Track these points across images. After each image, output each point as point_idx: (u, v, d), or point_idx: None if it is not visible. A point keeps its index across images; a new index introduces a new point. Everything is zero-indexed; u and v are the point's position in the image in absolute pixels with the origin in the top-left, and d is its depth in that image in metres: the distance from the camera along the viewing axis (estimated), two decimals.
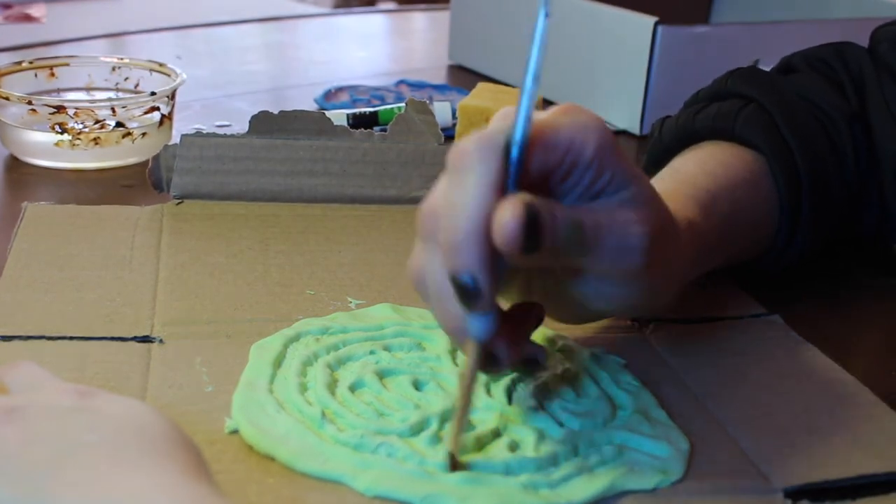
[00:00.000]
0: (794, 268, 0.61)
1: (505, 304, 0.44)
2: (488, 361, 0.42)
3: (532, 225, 0.37)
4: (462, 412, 0.41)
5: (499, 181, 0.38)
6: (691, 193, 0.53)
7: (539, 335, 0.51)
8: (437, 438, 0.42)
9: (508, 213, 0.37)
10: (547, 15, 0.38)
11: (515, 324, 0.43)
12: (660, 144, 0.64)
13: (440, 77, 1.10)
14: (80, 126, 0.73)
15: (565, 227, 0.39)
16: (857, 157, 0.61)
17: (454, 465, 0.40)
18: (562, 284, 0.44)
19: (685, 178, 0.55)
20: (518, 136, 0.39)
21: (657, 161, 0.63)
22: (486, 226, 0.38)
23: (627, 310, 0.50)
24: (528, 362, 0.44)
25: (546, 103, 0.72)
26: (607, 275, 0.43)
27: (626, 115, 0.92)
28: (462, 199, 0.39)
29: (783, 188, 0.58)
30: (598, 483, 0.41)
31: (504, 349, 0.42)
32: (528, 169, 0.40)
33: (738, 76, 0.63)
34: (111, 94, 0.82)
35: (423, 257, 0.42)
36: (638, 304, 0.47)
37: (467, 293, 0.39)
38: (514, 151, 0.39)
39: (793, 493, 0.42)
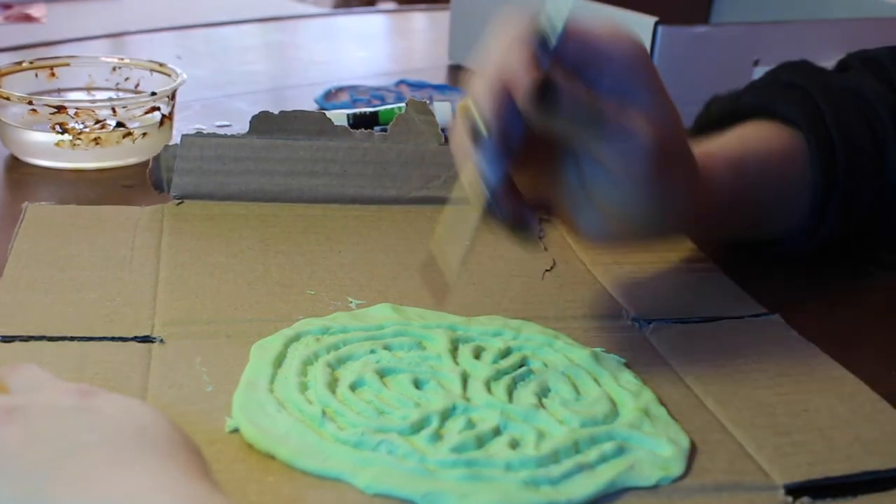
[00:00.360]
0: (823, 249, 0.62)
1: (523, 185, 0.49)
2: (518, 226, 0.48)
3: (549, 89, 0.44)
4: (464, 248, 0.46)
5: (531, 46, 0.45)
6: (718, 153, 0.57)
7: (539, 335, 0.51)
8: (437, 436, 0.42)
9: (530, 75, 0.44)
10: None
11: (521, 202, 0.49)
12: (706, 118, 0.66)
13: (440, 77, 1.10)
14: (81, 126, 0.73)
15: (584, 104, 0.45)
16: None
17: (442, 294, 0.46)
18: (572, 177, 0.49)
19: (719, 142, 0.59)
20: (558, 29, 0.45)
21: (700, 133, 0.64)
22: (508, 80, 0.45)
23: (633, 220, 0.51)
24: (520, 224, 0.48)
25: None
26: (614, 171, 0.47)
27: None
28: (496, 51, 0.46)
29: (818, 167, 0.60)
30: (599, 480, 0.41)
31: (527, 212, 0.48)
32: (562, 57, 0.46)
33: (789, 66, 0.65)
34: (111, 94, 0.82)
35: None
36: (642, 216, 0.50)
37: (476, 133, 0.45)
38: (553, 42, 0.46)
39: (794, 489, 0.42)
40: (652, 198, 0.49)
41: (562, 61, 0.46)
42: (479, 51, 0.48)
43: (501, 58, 0.46)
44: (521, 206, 0.48)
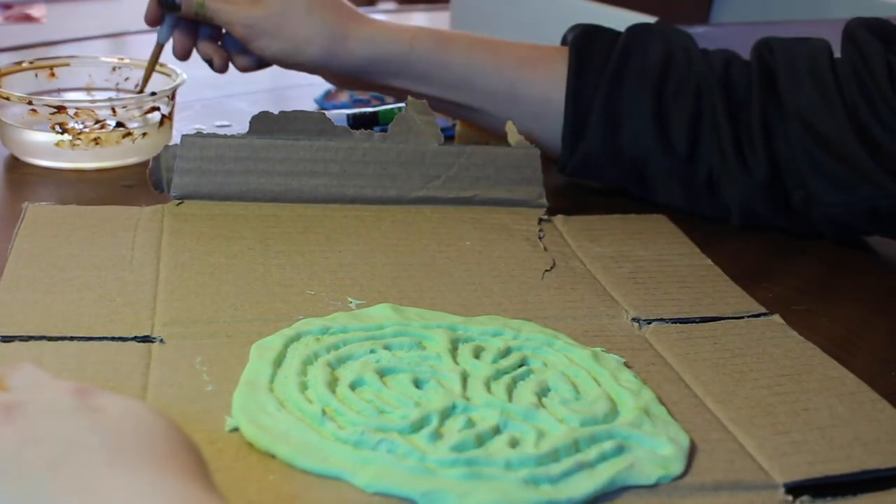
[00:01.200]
0: (586, 171, 0.71)
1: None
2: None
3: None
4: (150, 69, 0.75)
5: None
6: (441, 33, 0.73)
7: (539, 335, 0.51)
8: (437, 435, 0.42)
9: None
10: None
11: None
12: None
13: None
14: (81, 126, 0.73)
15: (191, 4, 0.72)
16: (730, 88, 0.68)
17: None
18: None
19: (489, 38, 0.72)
20: None
21: None
22: None
23: (255, 40, 0.72)
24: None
25: None
26: (223, 21, 0.73)
27: None
28: None
29: (573, 74, 0.68)
30: (598, 478, 0.41)
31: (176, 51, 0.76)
32: None
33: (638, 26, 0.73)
34: (111, 94, 0.82)
35: None
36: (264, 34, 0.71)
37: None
38: None
39: (794, 488, 0.42)
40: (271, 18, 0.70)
41: None
42: None
43: None
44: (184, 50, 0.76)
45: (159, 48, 0.77)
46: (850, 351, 0.54)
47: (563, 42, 0.74)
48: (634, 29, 0.71)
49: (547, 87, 0.70)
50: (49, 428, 0.34)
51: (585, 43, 0.70)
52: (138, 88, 0.78)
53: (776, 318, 0.56)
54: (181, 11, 0.72)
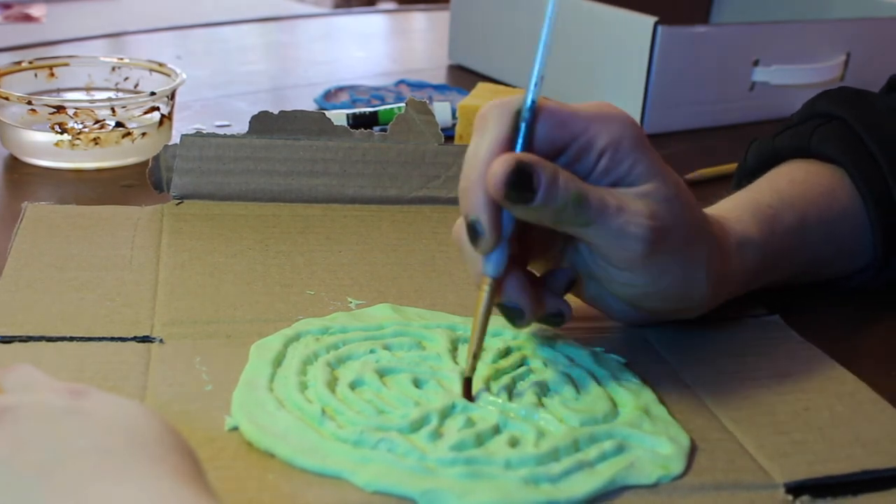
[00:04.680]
0: None
1: (539, 271, 0.50)
2: (513, 314, 0.47)
3: (522, 177, 0.43)
4: (478, 342, 0.45)
5: (507, 140, 0.44)
6: (752, 210, 0.55)
7: (539, 335, 0.51)
8: (437, 434, 0.42)
9: (497, 163, 0.43)
10: None
11: (543, 284, 0.49)
12: (744, 167, 0.64)
13: (440, 77, 1.10)
14: (80, 126, 0.73)
15: (565, 192, 0.44)
16: None
17: (468, 389, 0.45)
18: (578, 259, 0.49)
19: (749, 196, 0.57)
20: (527, 104, 0.44)
21: (740, 183, 0.62)
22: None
23: (650, 303, 0.50)
24: (552, 316, 0.49)
25: None
26: (610, 256, 0.47)
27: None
28: (474, 153, 0.44)
29: (869, 198, 0.57)
30: (598, 478, 0.41)
31: (527, 303, 0.47)
32: (534, 138, 0.44)
33: (826, 95, 0.62)
34: (111, 94, 0.82)
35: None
36: (659, 299, 0.49)
37: (473, 234, 0.44)
38: (525, 116, 0.44)
39: (794, 488, 0.42)
40: (660, 281, 0.48)
41: (539, 144, 0.44)
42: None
43: (478, 147, 0.44)
44: (524, 295, 0.46)
45: (494, 289, 0.46)
46: (850, 351, 0.54)
47: (745, 169, 0.64)
48: (821, 105, 0.61)
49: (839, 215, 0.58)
50: (39, 431, 0.34)
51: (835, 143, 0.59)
52: (465, 373, 0.46)
53: (776, 318, 0.56)
54: (534, 206, 0.43)
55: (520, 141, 0.44)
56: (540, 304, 0.48)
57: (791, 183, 0.58)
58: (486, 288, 0.45)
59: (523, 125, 0.44)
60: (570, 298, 0.50)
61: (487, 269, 0.45)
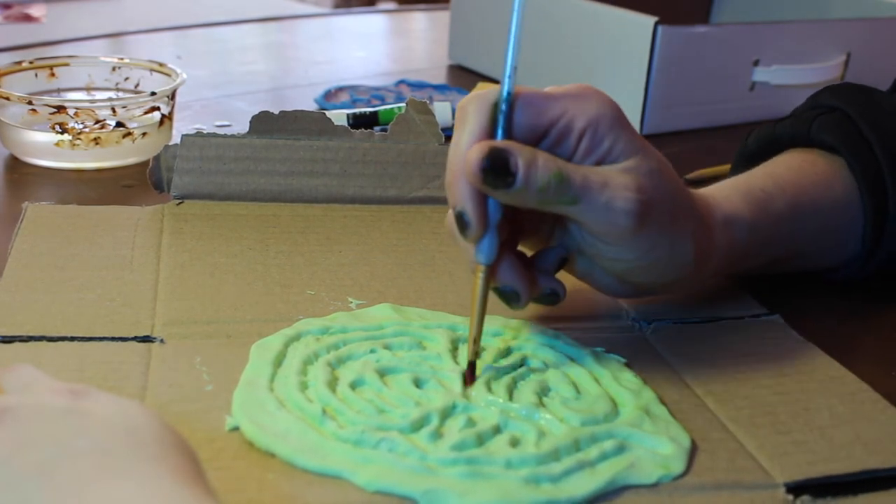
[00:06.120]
0: (884, 272, 0.60)
1: (530, 251, 0.51)
2: (509, 297, 0.48)
3: (498, 162, 0.44)
4: (477, 326, 0.46)
5: (485, 131, 0.45)
6: (744, 191, 0.55)
7: (539, 335, 0.51)
8: (437, 434, 0.42)
9: (472, 152, 0.44)
10: None
11: (534, 265, 0.50)
12: (744, 151, 0.64)
13: (440, 77, 1.10)
14: (81, 126, 0.73)
15: (545, 172, 0.44)
16: None
17: (472, 374, 0.46)
18: (568, 237, 0.50)
19: (744, 179, 0.57)
20: (503, 94, 0.45)
21: (737, 167, 0.63)
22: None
23: (640, 277, 0.50)
24: (548, 296, 0.50)
25: None
26: (599, 232, 0.47)
27: (626, 114, 0.91)
28: (455, 146, 0.45)
29: (864, 188, 0.58)
30: (599, 478, 0.41)
31: (522, 285, 0.48)
32: (513, 125, 0.45)
33: (830, 89, 0.62)
34: (111, 94, 0.82)
35: None
36: (648, 273, 0.50)
37: (461, 224, 0.45)
38: (502, 107, 0.45)
39: (794, 488, 0.42)
40: (649, 255, 0.48)
41: (519, 131, 0.45)
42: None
43: (458, 139, 0.45)
44: (518, 278, 0.47)
45: (488, 275, 0.47)
46: (850, 351, 0.54)
47: (744, 153, 0.64)
48: (823, 98, 0.62)
49: (830, 202, 0.58)
50: (38, 431, 0.34)
51: (831, 130, 0.60)
52: (469, 357, 0.47)
53: (776, 318, 0.56)
54: (516, 190, 0.44)
55: (499, 130, 0.45)
56: (534, 285, 0.49)
57: (787, 170, 0.59)
58: (480, 274, 0.47)
59: (501, 115, 0.45)
60: (569, 295, 0.50)
61: (479, 257, 0.46)
